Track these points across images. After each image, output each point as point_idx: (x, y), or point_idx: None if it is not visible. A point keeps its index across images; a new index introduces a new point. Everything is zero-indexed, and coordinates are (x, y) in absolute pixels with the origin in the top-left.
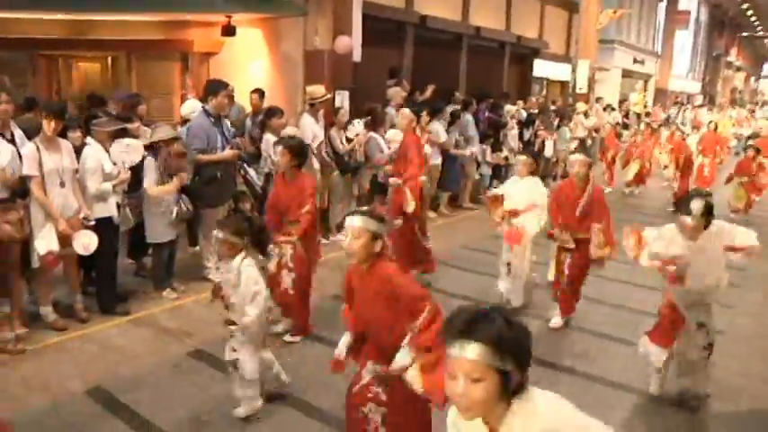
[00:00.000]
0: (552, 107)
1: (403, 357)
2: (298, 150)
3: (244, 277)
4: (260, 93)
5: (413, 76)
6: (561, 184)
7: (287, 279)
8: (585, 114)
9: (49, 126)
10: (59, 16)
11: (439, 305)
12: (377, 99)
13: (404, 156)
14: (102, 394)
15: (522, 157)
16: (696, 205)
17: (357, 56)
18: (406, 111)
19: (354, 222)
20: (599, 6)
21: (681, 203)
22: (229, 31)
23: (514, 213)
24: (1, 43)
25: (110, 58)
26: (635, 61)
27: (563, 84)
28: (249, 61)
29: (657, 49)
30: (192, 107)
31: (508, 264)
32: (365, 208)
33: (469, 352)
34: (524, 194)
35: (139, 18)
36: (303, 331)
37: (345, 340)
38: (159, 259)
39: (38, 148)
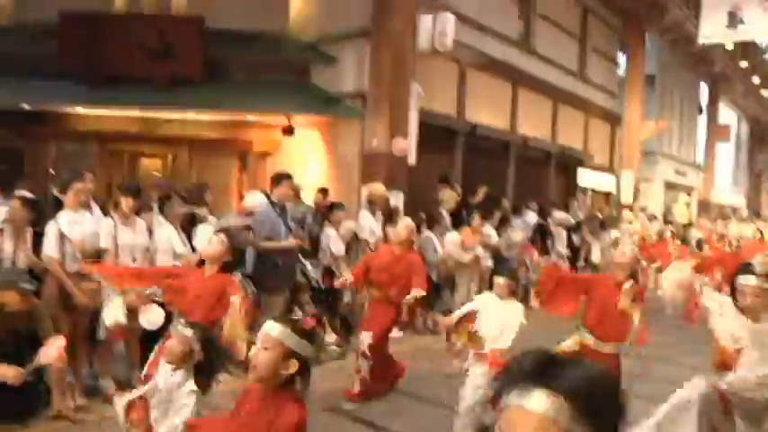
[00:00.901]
0: (599, 215)
1: None
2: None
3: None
4: (324, 192)
5: (462, 182)
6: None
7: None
8: (631, 223)
9: (126, 204)
10: (130, 113)
11: None
12: (427, 203)
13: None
14: None
15: (500, 280)
16: (761, 260)
17: (412, 159)
18: (407, 220)
19: (270, 329)
20: (641, 118)
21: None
22: (289, 131)
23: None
24: (73, 136)
25: (170, 155)
26: (677, 173)
27: (607, 195)
28: (306, 161)
29: (699, 162)
30: (255, 199)
31: None
32: (292, 316)
33: (534, 402)
34: (502, 317)
35: (203, 117)
36: None
37: None
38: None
39: (114, 224)
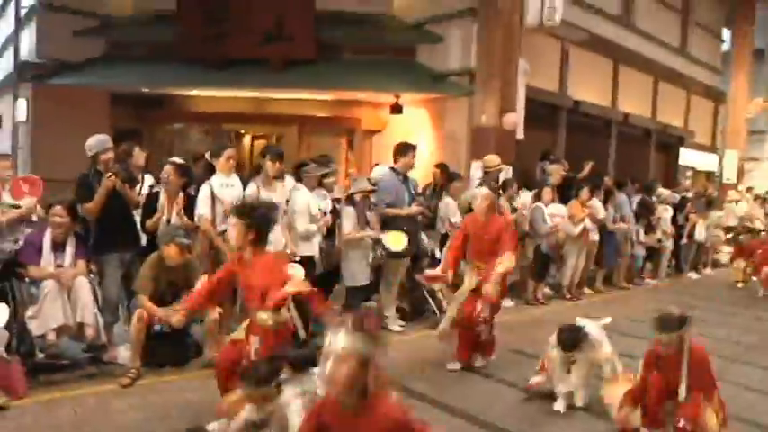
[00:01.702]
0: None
1: None
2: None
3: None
4: (443, 167)
5: (565, 159)
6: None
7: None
8: (737, 203)
9: (273, 167)
10: (242, 94)
11: None
12: (532, 178)
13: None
14: None
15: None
16: None
17: (520, 134)
18: (484, 190)
19: (341, 343)
20: (747, 96)
21: None
22: (397, 109)
23: None
24: (187, 117)
25: (280, 134)
26: None
27: (708, 174)
28: (413, 139)
29: None
30: (381, 171)
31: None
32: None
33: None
34: None
35: (312, 97)
36: None
37: None
38: (352, 302)
39: (258, 188)
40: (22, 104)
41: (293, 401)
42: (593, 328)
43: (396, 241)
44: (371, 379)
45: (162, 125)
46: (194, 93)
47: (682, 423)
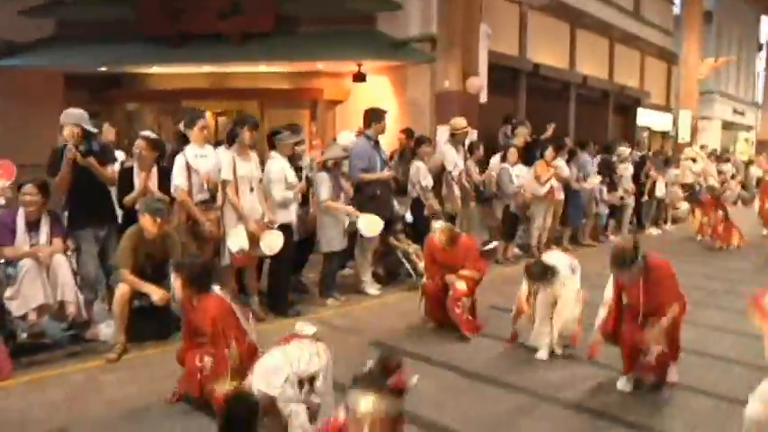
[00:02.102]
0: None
1: None
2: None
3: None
4: (408, 132)
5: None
6: None
7: None
8: (694, 160)
9: (250, 136)
10: (201, 70)
11: None
12: (494, 142)
13: None
14: None
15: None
16: None
17: (483, 97)
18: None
19: (367, 406)
20: (698, 57)
21: None
22: (360, 78)
23: None
24: (145, 96)
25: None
26: (735, 112)
27: (663, 134)
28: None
29: (758, 100)
30: (347, 137)
31: None
32: (370, 375)
33: None
34: None
35: (273, 69)
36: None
37: None
38: (329, 268)
39: (233, 157)
40: None
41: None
42: (562, 263)
43: (371, 227)
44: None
45: (120, 105)
46: (152, 70)
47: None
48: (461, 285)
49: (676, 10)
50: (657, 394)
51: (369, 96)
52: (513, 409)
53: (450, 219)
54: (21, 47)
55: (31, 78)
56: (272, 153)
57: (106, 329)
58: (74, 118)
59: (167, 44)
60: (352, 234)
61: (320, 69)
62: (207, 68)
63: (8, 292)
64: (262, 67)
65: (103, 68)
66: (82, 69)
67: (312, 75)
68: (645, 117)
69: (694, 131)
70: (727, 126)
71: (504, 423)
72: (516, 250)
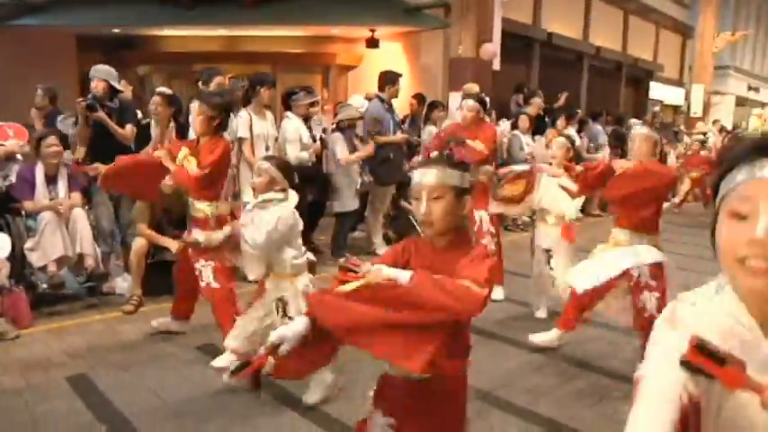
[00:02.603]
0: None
1: None
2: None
3: None
4: (419, 98)
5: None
6: None
7: None
8: (704, 135)
9: (268, 95)
10: (214, 32)
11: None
12: (506, 110)
13: None
14: None
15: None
16: None
17: (497, 64)
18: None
19: (428, 178)
20: (714, 31)
21: None
22: (373, 43)
23: None
24: (157, 58)
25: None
26: (749, 88)
27: (675, 108)
28: None
29: None
30: (358, 101)
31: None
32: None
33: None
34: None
35: (286, 33)
36: None
37: None
38: (342, 228)
39: (249, 115)
40: None
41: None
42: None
43: None
44: (465, 212)
45: (131, 68)
46: (164, 33)
47: None
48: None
49: None
50: None
51: (381, 62)
52: (524, 364)
53: None
54: (34, 7)
55: (43, 39)
56: (288, 113)
57: (122, 283)
58: (102, 73)
59: (181, 6)
60: (364, 195)
61: (334, 34)
62: (220, 32)
63: (29, 244)
64: (275, 31)
65: (117, 30)
66: (95, 30)
67: (325, 39)
68: (657, 90)
69: (707, 106)
70: (740, 102)
71: (516, 377)
72: (525, 217)
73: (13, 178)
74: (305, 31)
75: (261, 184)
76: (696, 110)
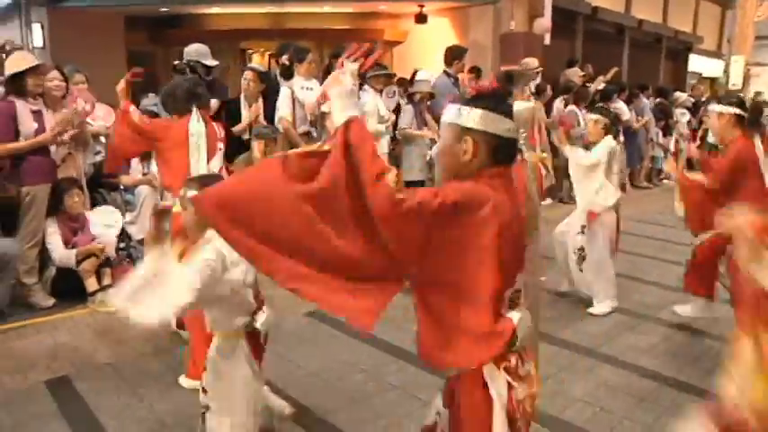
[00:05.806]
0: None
1: None
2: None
3: None
4: (477, 71)
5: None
6: None
7: None
8: None
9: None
10: (260, 9)
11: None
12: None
13: None
14: None
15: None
16: None
17: (548, 39)
18: None
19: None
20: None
21: None
22: (422, 19)
23: None
24: (202, 36)
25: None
26: None
27: (713, 80)
28: (434, 49)
29: None
30: (426, 75)
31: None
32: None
33: None
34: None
35: (333, 9)
36: None
37: None
38: None
39: (291, 90)
40: (37, 30)
41: None
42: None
43: None
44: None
45: (177, 46)
46: (211, 11)
47: None
48: None
49: None
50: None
51: (428, 38)
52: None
53: None
54: None
55: (92, 19)
56: (364, 86)
57: None
58: (193, 54)
59: None
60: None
61: (381, 10)
62: (266, 8)
63: (128, 217)
64: (322, 7)
65: (164, 9)
66: (142, 10)
67: (372, 15)
68: (696, 62)
69: (746, 78)
70: None
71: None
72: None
73: (104, 153)
74: (352, 8)
75: None
76: (735, 82)
